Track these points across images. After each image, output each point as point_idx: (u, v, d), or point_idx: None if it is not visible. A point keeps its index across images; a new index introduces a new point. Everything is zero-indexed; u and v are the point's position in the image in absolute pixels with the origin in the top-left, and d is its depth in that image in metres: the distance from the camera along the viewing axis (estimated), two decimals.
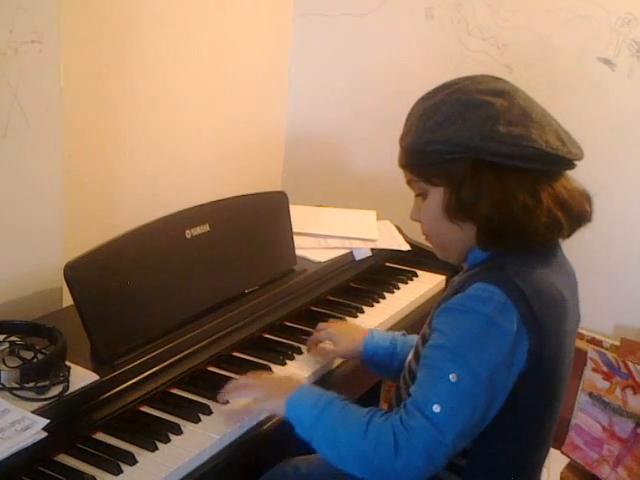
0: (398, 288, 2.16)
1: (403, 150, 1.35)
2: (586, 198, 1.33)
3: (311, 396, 1.34)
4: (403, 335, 1.66)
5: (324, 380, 1.67)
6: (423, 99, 1.34)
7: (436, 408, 1.19)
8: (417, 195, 1.37)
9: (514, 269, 1.26)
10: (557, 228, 1.29)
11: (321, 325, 1.75)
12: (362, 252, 2.18)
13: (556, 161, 1.27)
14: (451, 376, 1.20)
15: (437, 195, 1.31)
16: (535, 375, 1.25)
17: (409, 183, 1.37)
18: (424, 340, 1.32)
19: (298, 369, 1.66)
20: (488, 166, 1.25)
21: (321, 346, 1.71)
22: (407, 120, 1.36)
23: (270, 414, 1.46)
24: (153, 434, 1.38)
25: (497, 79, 1.34)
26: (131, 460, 1.31)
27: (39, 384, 1.37)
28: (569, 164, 1.30)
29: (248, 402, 1.43)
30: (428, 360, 1.25)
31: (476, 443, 1.28)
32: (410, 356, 1.42)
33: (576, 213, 1.30)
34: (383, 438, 1.21)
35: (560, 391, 1.35)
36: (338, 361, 1.74)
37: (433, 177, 1.31)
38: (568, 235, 1.33)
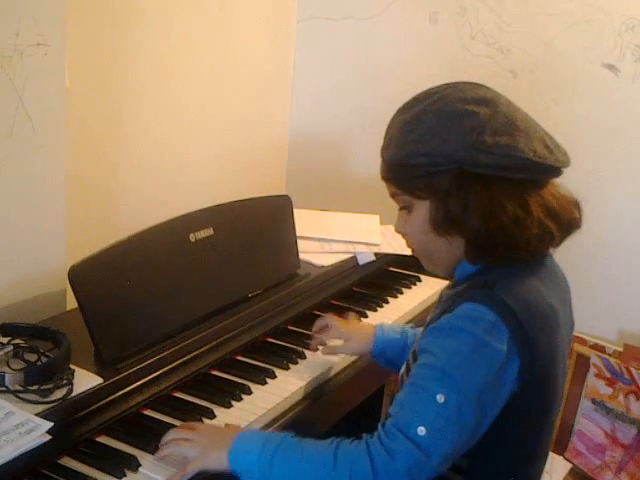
0: (402, 293, 2.16)
1: (385, 163, 1.31)
2: (575, 205, 1.31)
3: (255, 441, 1.23)
4: (412, 327, 1.65)
5: (325, 385, 1.67)
6: (403, 109, 1.30)
7: (421, 430, 1.14)
8: (401, 208, 1.34)
9: (503, 286, 1.23)
10: (548, 238, 1.27)
11: (326, 317, 1.73)
12: (365, 256, 2.18)
13: (544, 170, 1.25)
14: (438, 397, 1.16)
15: (423, 209, 1.28)
16: (528, 391, 1.23)
17: (392, 196, 1.33)
18: (415, 357, 1.29)
19: (301, 373, 1.66)
20: (474, 178, 1.22)
21: (331, 343, 1.69)
22: (387, 131, 1.32)
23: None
24: (156, 438, 1.37)
25: (479, 86, 1.31)
26: (134, 463, 1.31)
27: (43, 387, 1.37)
28: (556, 172, 1.28)
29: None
30: (414, 379, 1.21)
31: (473, 459, 1.26)
32: (402, 369, 1.40)
33: (566, 221, 1.28)
34: (358, 464, 1.15)
35: (555, 402, 1.33)
36: (339, 366, 1.74)
37: (417, 190, 1.27)
38: (559, 244, 1.31)
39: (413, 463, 1.14)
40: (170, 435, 1.33)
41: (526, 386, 1.23)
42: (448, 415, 1.15)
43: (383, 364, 1.67)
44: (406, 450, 1.14)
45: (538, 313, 1.24)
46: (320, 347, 1.72)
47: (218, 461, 1.24)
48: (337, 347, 1.69)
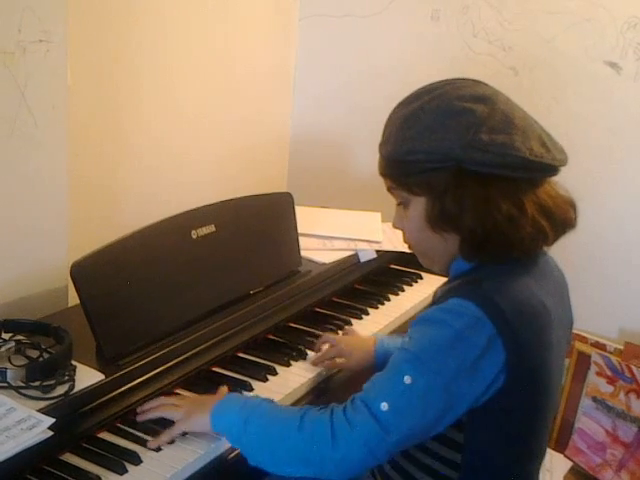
0: (403, 290, 2.16)
1: (382, 159, 1.32)
2: (570, 204, 1.31)
3: (236, 402, 1.34)
4: None
5: (325, 384, 1.68)
6: (401, 105, 1.31)
7: (384, 406, 1.19)
8: (399, 204, 1.35)
9: (493, 284, 1.24)
10: (542, 237, 1.27)
11: (327, 336, 1.75)
12: (367, 254, 2.18)
13: (540, 168, 1.24)
14: (406, 378, 1.19)
15: (419, 205, 1.29)
16: (518, 388, 1.23)
17: (390, 191, 1.34)
18: None
19: (302, 370, 1.67)
20: (471, 175, 1.23)
21: (331, 360, 1.70)
22: (385, 127, 1.32)
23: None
24: (158, 434, 1.37)
25: (477, 83, 1.31)
26: (136, 460, 1.31)
27: (45, 383, 1.37)
28: (553, 170, 1.27)
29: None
30: (390, 360, 1.25)
31: (467, 456, 1.27)
32: None
33: (561, 221, 1.28)
34: (320, 429, 1.22)
35: (550, 400, 1.32)
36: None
37: (414, 187, 1.28)
38: (552, 243, 1.31)
39: (371, 436, 1.19)
40: (157, 401, 1.41)
41: (514, 382, 1.22)
42: (412, 397, 1.19)
43: None
44: (365, 423, 1.19)
45: (528, 311, 1.24)
46: (323, 362, 1.71)
47: (202, 423, 1.35)
48: (339, 364, 1.69)
